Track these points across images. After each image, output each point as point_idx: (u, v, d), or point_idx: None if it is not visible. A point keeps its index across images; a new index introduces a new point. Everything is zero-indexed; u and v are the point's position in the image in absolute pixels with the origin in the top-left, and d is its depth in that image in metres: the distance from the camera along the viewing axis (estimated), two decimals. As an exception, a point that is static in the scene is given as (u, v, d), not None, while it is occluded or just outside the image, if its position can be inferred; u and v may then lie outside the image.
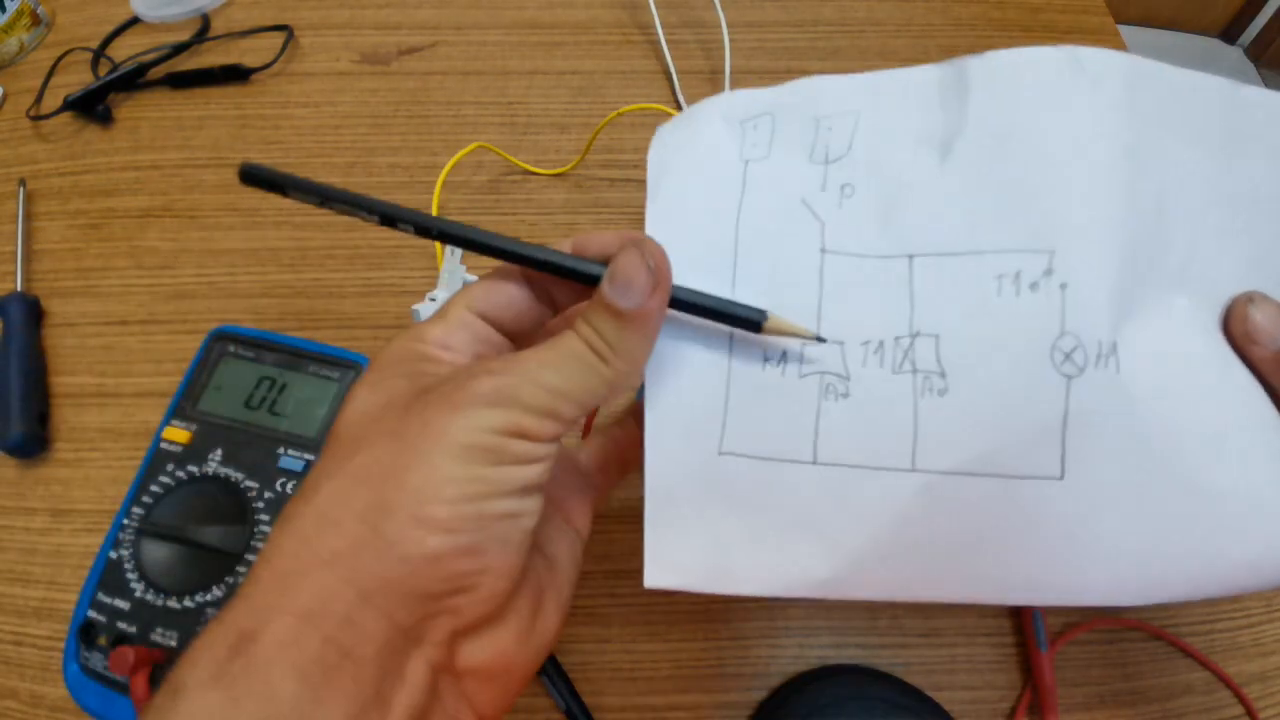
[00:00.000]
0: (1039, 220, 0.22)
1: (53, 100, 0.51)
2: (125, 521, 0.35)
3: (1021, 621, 0.36)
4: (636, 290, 0.21)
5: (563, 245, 0.23)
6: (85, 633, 0.33)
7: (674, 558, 0.23)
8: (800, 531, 0.23)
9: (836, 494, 0.23)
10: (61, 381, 0.42)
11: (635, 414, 0.25)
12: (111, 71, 0.51)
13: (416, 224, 0.23)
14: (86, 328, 0.44)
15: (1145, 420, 0.22)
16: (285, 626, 0.17)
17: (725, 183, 0.25)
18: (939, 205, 0.23)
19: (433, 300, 0.36)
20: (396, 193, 0.48)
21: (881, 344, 0.23)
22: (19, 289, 0.44)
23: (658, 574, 0.23)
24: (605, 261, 0.22)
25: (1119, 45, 0.56)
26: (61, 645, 0.35)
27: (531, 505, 0.20)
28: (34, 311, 0.43)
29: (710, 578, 0.23)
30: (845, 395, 0.23)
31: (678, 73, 0.53)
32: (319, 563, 0.17)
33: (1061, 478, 0.22)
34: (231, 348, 0.39)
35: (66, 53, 0.53)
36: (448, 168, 0.40)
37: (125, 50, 0.53)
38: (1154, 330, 0.22)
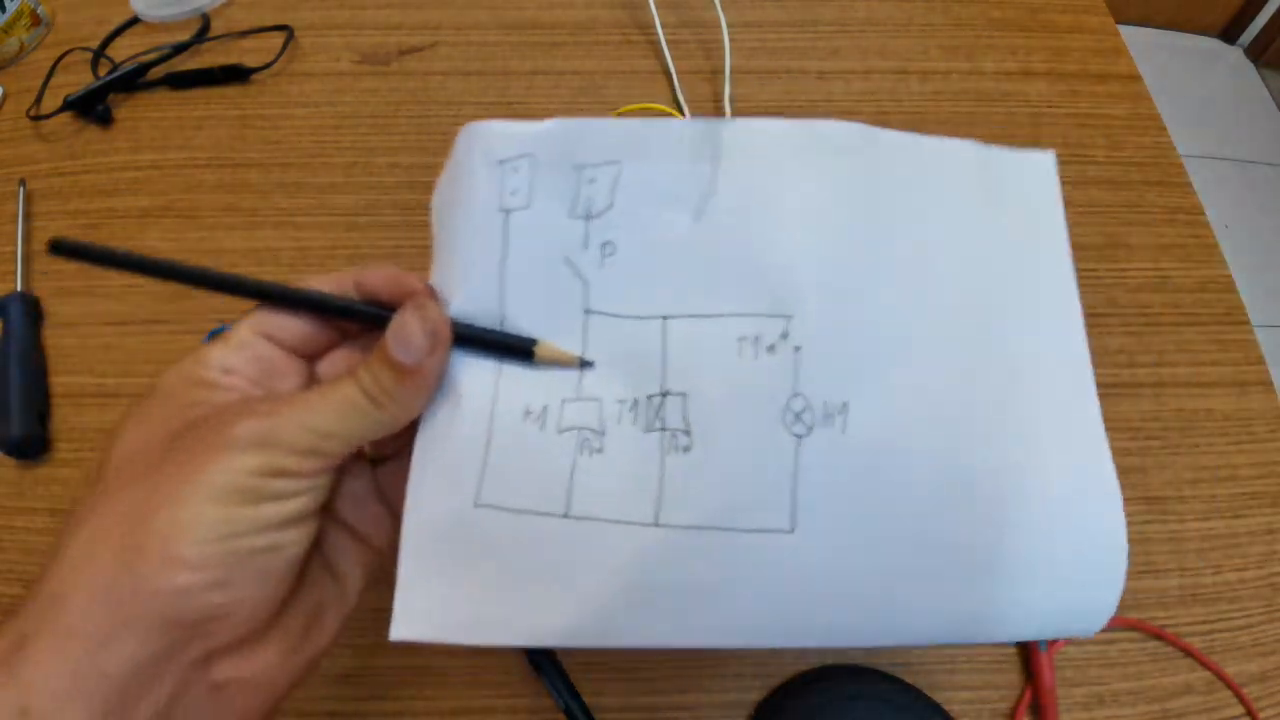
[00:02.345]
0: (779, 287, 0.24)
1: (53, 100, 0.51)
2: (125, 521, 0.35)
3: (1021, 621, 0.36)
4: (415, 350, 0.22)
5: (345, 277, 0.24)
6: (85, 633, 0.33)
7: (424, 609, 0.23)
8: (548, 583, 0.23)
9: (583, 546, 0.23)
10: (61, 381, 0.42)
11: None
12: (111, 72, 0.51)
13: (226, 287, 0.24)
14: (86, 328, 0.44)
15: (875, 477, 0.23)
16: (48, 641, 0.19)
17: (488, 238, 0.25)
18: (691, 267, 0.24)
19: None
20: (397, 192, 0.48)
21: (636, 402, 0.24)
22: (19, 289, 0.44)
23: (405, 627, 0.23)
24: (377, 303, 0.24)
25: (1119, 45, 0.55)
26: (61, 645, 0.35)
27: (295, 536, 0.21)
28: (34, 311, 0.43)
29: (459, 630, 0.23)
30: (600, 450, 0.24)
31: (678, 73, 0.53)
32: (81, 591, 0.19)
33: (791, 531, 0.23)
34: (231, 348, 0.39)
35: (66, 53, 0.53)
36: (448, 168, 0.40)
37: (125, 50, 0.53)
38: (886, 393, 0.24)
